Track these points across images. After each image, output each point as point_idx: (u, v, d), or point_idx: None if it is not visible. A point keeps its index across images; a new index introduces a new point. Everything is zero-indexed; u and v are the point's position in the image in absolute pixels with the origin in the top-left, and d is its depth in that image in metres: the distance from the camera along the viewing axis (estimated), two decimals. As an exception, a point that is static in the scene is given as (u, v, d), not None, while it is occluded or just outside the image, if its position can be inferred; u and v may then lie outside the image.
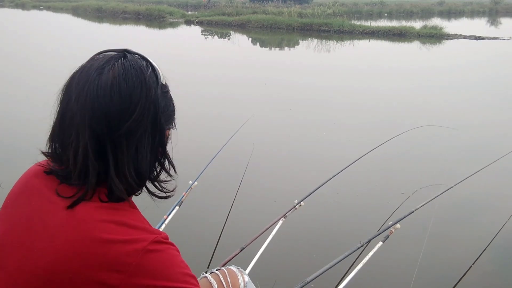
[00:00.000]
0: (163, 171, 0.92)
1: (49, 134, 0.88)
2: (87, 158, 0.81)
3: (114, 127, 0.81)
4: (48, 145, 0.88)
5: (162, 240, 0.83)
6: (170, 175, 0.95)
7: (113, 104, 0.81)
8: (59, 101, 0.86)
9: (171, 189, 0.96)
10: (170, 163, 0.94)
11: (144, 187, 0.91)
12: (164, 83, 0.89)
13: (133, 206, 0.89)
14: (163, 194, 0.95)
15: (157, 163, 0.90)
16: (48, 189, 0.86)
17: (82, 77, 0.83)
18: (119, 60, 0.84)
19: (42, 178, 0.89)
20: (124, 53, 0.87)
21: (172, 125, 0.94)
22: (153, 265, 0.79)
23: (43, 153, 0.90)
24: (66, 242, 0.79)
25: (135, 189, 0.88)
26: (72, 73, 0.86)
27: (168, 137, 0.93)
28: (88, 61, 0.87)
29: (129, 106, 0.81)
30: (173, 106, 0.94)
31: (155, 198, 0.95)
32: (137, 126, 0.82)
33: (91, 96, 0.81)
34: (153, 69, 0.87)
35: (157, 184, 0.93)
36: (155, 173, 0.91)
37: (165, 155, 0.91)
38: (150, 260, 0.79)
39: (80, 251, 0.78)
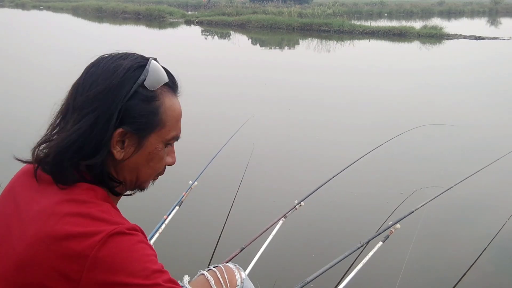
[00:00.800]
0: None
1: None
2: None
3: (75, 99, 0.87)
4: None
5: (124, 231, 0.79)
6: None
7: (83, 82, 0.88)
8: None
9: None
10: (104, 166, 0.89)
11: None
12: (149, 88, 0.88)
13: (105, 199, 0.87)
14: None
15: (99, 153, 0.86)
16: (32, 184, 0.90)
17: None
18: (115, 57, 0.91)
19: (28, 175, 0.92)
20: (140, 55, 0.93)
21: (141, 133, 0.89)
22: (110, 258, 0.76)
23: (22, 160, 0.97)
24: (34, 236, 0.80)
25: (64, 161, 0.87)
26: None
27: (139, 147, 0.90)
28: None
29: (92, 84, 0.86)
30: (152, 117, 0.89)
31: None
32: (89, 104, 0.85)
33: (78, 81, 0.91)
34: (143, 68, 0.88)
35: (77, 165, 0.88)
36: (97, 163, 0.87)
37: (102, 147, 0.86)
38: (107, 253, 0.76)
39: (45, 245, 0.78)
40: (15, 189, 0.93)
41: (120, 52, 0.92)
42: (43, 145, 0.90)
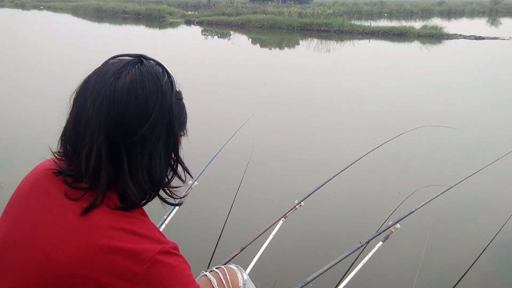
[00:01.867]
0: (175, 176, 0.93)
1: (61, 134, 0.88)
2: (100, 161, 0.81)
3: (129, 132, 0.81)
4: (59, 145, 0.89)
5: (170, 251, 0.82)
6: (183, 181, 0.95)
7: (129, 110, 0.81)
8: (72, 103, 0.86)
9: (181, 195, 0.99)
10: (185, 169, 0.95)
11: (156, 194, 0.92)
12: (178, 90, 0.90)
13: (144, 215, 0.89)
14: (173, 201, 0.95)
15: (169, 169, 0.91)
16: (58, 191, 0.86)
17: (98, 81, 0.83)
18: (136, 66, 0.85)
19: (51, 179, 0.89)
20: (140, 59, 0.87)
21: (184, 131, 0.96)
22: (160, 276, 0.79)
23: (54, 152, 0.90)
24: (76, 247, 0.79)
25: (148, 194, 0.88)
26: (86, 76, 0.87)
27: (179, 144, 0.94)
28: (103, 65, 0.87)
29: (145, 112, 0.82)
30: (185, 113, 0.95)
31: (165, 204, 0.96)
32: (152, 131, 0.83)
33: (108, 100, 0.81)
34: (169, 76, 0.88)
35: (167, 190, 0.93)
36: (167, 179, 0.92)
37: (178, 160, 0.93)
38: (157, 270, 0.79)
39: (89, 257, 0.78)
40: (38, 192, 0.88)
41: (133, 58, 0.87)
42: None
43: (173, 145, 0.89)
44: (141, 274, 0.77)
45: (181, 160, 0.93)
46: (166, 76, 0.87)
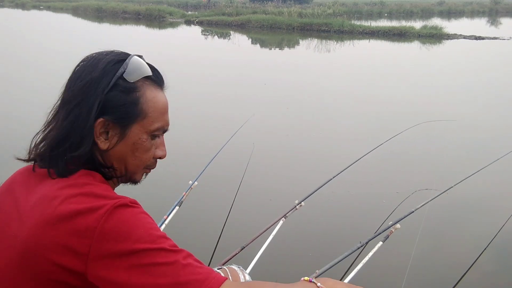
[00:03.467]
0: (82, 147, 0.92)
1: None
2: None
3: (62, 96, 0.94)
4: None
5: (126, 203, 0.83)
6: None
7: (70, 77, 0.94)
8: None
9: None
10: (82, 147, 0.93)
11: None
12: (128, 80, 0.93)
13: (103, 181, 0.93)
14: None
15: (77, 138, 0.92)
16: (30, 182, 0.94)
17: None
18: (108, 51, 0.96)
19: (26, 174, 0.97)
20: (123, 52, 0.97)
21: (122, 123, 0.93)
22: (117, 228, 0.80)
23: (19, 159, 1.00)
24: (37, 220, 0.83)
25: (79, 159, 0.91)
26: None
27: (122, 138, 0.94)
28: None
29: (75, 78, 0.92)
30: (133, 107, 0.93)
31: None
32: (73, 97, 0.91)
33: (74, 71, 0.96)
34: (124, 65, 0.93)
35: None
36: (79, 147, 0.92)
37: (85, 134, 0.91)
38: (113, 223, 0.80)
39: (50, 225, 0.81)
40: (13, 188, 0.96)
41: (108, 50, 0.97)
42: (41, 142, 0.94)
43: (86, 114, 0.90)
44: (99, 229, 0.79)
45: (82, 135, 0.91)
46: (118, 58, 0.93)
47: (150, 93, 0.95)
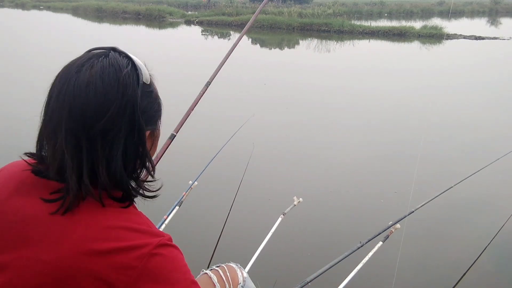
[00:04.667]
0: (145, 170, 0.90)
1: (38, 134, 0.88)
2: (64, 156, 0.80)
3: (89, 126, 0.80)
4: (36, 146, 0.88)
5: (166, 243, 0.82)
6: (151, 175, 0.93)
7: (88, 103, 0.80)
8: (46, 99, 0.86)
9: (155, 189, 0.94)
10: (151, 163, 0.90)
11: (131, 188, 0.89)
12: (147, 83, 0.88)
13: (135, 208, 0.89)
14: (150, 194, 0.93)
15: (138, 164, 0.88)
16: (37, 190, 0.85)
17: (63, 75, 0.83)
18: (100, 58, 0.84)
19: (26, 176, 0.87)
20: (109, 51, 0.86)
21: (156, 125, 0.93)
22: (157, 269, 0.79)
23: (27, 153, 0.90)
24: (71, 248, 0.78)
25: (114, 188, 0.84)
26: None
27: (152, 138, 0.92)
28: (74, 59, 0.86)
29: (104, 104, 0.80)
30: (158, 106, 0.92)
31: (145, 199, 0.93)
32: (112, 124, 0.81)
33: (69, 94, 0.81)
34: (135, 67, 0.86)
35: (140, 185, 0.90)
36: (136, 174, 0.89)
37: (146, 155, 0.88)
38: (154, 264, 0.79)
39: (87, 258, 0.77)
40: (17, 188, 0.87)
41: (84, 57, 0.86)
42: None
43: (138, 138, 0.85)
44: (140, 268, 0.77)
45: (148, 154, 0.89)
46: (130, 67, 0.85)
47: (155, 83, 0.93)
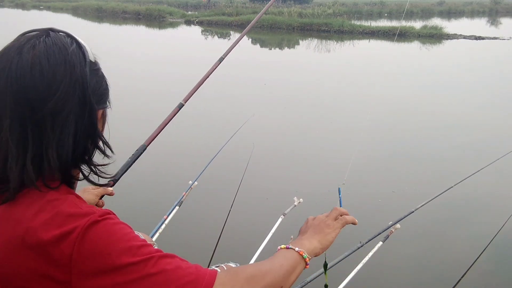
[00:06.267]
0: (99, 151, 0.86)
1: None
2: (8, 145, 0.77)
3: (37, 108, 0.76)
4: None
5: (97, 220, 0.77)
6: (107, 156, 0.88)
7: (35, 85, 0.76)
8: None
9: (108, 172, 0.90)
10: (105, 143, 0.87)
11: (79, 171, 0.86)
12: (93, 60, 0.84)
13: (70, 191, 0.83)
14: (97, 180, 0.88)
15: (90, 145, 0.84)
16: None
17: (2, 60, 0.79)
18: (41, 38, 0.80)
19: None
20: (47, 32, 0.82)
21: (107, 104, 0.88)
22: (93, 248, 0.74)
23: None
24: (6, 244, 0.77)
25: (62, 175, 0.81)
26: None
27: (102, 117, 0.88)
28: (10, 42, 0.82)
29: (52, 85, 0.77)
30: (106, 84, 0.88)
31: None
32: (62, 106, 0.78)
33: (11, 77, 0.76)
34: (79, 46, 0.83)
35: (93, 168, 0.86)
36: (88, 156, 0.85)
37: (99, 135, 0.85)
38: (87, 245, 0.74)
39: (22, 253, 0.76)
40: None
41: (17, 39, 0.82)
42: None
43: (90, 119, 0.81)
44: (75, 254, 0.74)
45: (101, 134, 0.86)
46: (75, 45, 0.82)
47: (98, 61, 0.88)
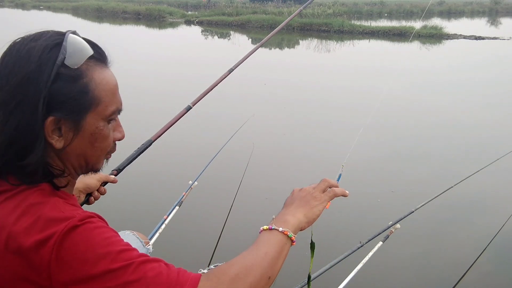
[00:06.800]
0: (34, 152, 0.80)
1: None
2: None
3: None
4: None
5: (76, 224, 0.75)
6: (31, 168, 0.81)
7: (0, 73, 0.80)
8: None
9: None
10: (50, 155, 0.83)
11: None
12: (73, 67, 0.80)
13: (52, 193, 0.82)
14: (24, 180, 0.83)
15: (28, 147, 0.80)
16: None
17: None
18: (42, 35, 0.82)
19: None
20: (61, 33, 0.83)
21: (74, 116, 0.81)
22: (70, 256, 0.73)
23: None
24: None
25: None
26: None
27: (75, 130, 0.83)
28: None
29: (9, 74, 0.78)
30: (82, 95, 0.81)
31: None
32: (9, 97, 0.78)
33: None
34: (60, 47, 0.80)
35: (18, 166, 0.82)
36: (23, 157, 0.80)
37: (40, 140, 0.80)
38: (64, 252, 0.73)
39: (5, 257, 0.75)
40: None
41: (33, 32, 0.84)
42: None
43: (32, 118, 0.77)
44: (53, 260, 0.73)
45: (44, 143, 0.80)
46: (54, 45, 0.80)
47: (98, 76, 0.83)
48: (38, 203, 0.78)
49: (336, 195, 1.04)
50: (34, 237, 0.74)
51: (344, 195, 1.05)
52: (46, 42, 0.80)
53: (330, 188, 1.04)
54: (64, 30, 0.85)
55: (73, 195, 0.89)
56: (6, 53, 0.81)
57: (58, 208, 0.78)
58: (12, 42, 0.82)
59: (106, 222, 0.82)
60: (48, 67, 0.78)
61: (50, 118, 0.79)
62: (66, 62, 0.79)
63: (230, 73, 1.79)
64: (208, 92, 1.69)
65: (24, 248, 0.74)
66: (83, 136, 0.84)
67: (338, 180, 1.15)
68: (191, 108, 1.61)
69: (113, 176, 1.34)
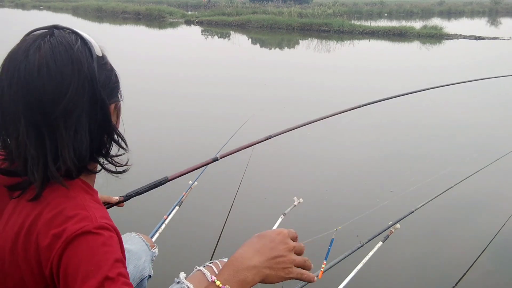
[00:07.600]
0: (115, 145, 0.89)
1: None
2: (27, 148, 0.78)
3: (49, 110, 0.76)
4: None
5: (88, 230, 0.76)
6: (124, 149, 0.90)
7: (44, 87, 0.76)
8: None
9: (124, 163, 0.91)
10: (120, 137, 0.88)
11: (99, 165, 0.89)
12: (100, 55, 0.84)
13: (82, 188, 0.85)
14: (119, 169, 0.91)
15: (106, 139, 0.86)
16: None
17: (10, 63, 0.79)
18: (46, 38, 0.80)
19: None
20: (51, 30, 0.82)
21: (118, 97, 0.89)
22: (70, 256, 0.75)
23: None
24: (14, 235, 0.80)
25: (77, 171, 0.83)
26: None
27: (116, 110, 0.89)
28: (16, 44, 0.82)
29: (61, 85, 0.77)
30: (116, 77, 0.89)
31: (115, 174, 0.92)
32: (73, 105, 0.77)
33: (21, 82, 0.76)
34: (85, 42, 0.82)
35: (110, 160, 0.89)
36: (106, 149, 0.87)
37: (113, 129, 0.86)
38: (71, 250, 0.75)
39: (24, 247, 0.78)
40: None
41: (23, 39, 0.82)
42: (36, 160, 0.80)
43: (102, 114, 0.82)
44: (58, 249, 0.75)
45: (115, 127, 0.87)
46: (80, 42, 0.81)
47: (106, 55, 0.89)
48: (64, 196, 0.81)
49: (300, 275, 0.96)
50: (52, 231, 0.77)
51: (310, 281, 0.96)
52: (72, 41, 0.81)
53: (293, 241, 0.97)
54: (42, 26, 0.85)
55: (95, 189, 0.91)
56: (38, 66, 0.77)
57: (81, 206, 0.80)
58: (38, 56, 0.78)
59: (120, 238, 0.82)
60: (92, 63, 0.81)
61: (111, 106, 0.85)
62: (96, 52, 0.83)
63: (267, 139, 1.87)
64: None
65: (41, 245, 0.77)
66: (118, 115, 0.91)
67: (330, 245, 1.11)
68: (218, 159, 1.69)
69: (117, 198, 1.34)
